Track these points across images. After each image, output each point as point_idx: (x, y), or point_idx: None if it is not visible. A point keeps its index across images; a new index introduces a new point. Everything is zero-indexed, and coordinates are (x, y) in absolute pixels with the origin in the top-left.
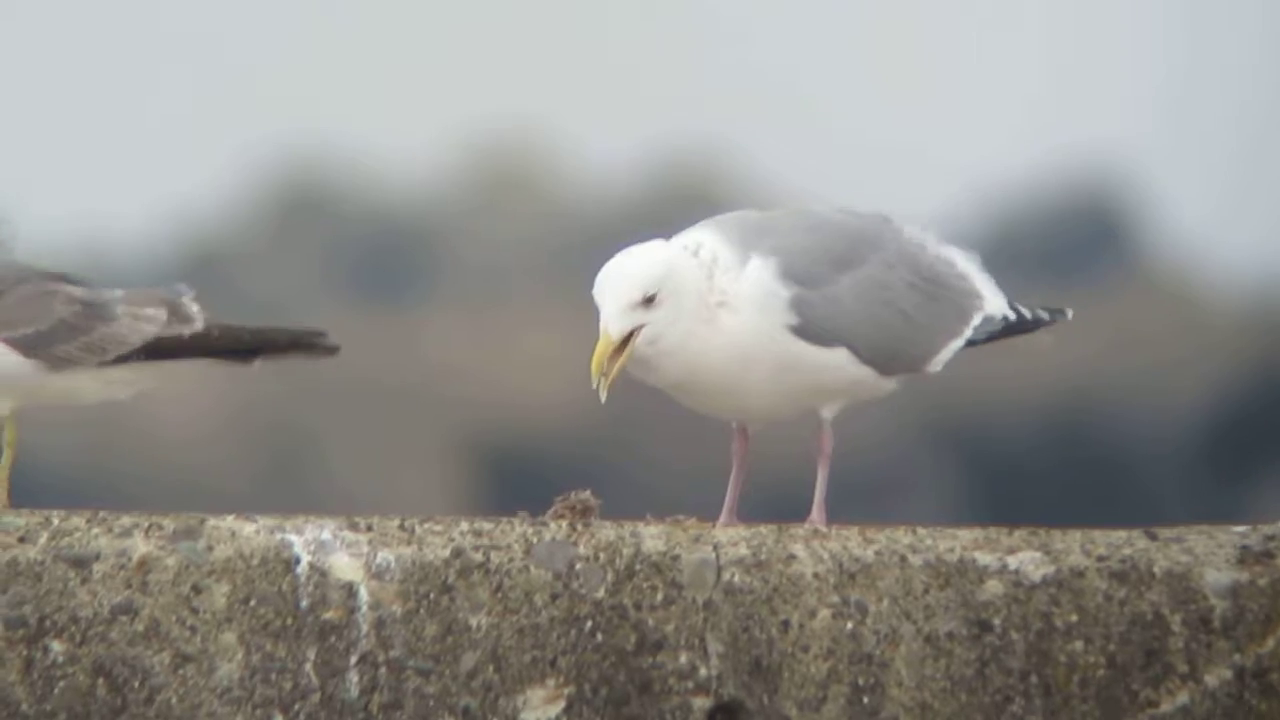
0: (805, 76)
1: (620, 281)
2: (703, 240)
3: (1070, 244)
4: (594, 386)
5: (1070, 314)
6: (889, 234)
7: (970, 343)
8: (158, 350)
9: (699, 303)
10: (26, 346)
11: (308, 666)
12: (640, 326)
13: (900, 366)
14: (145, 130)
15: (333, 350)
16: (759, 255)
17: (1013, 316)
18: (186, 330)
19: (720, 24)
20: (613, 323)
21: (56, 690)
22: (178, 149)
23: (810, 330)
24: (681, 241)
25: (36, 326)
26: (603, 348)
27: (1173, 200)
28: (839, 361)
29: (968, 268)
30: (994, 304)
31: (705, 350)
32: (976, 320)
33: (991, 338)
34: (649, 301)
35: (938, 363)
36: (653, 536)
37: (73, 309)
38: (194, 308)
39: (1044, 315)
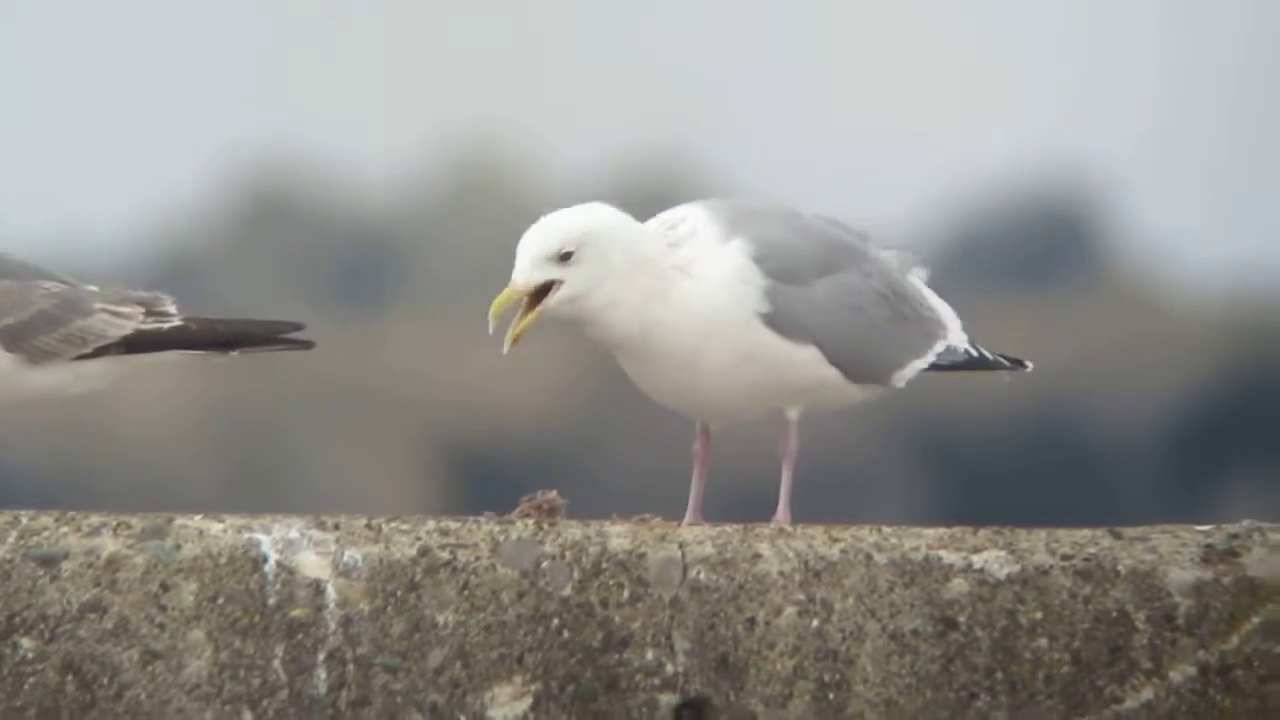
0: (775, 82)
1: (534, 234)
2: (688, 215)
3: (1040, 249)
4: (490, 332)
5: (1030, 367)
6: (869, 250)
7: (935, 367)
8: (136, 344)
9: (638, 267)
10: (8, 339)
11: (276, 663)
12: (555, 283)
13: (867, 375)
14: (118, 136)
15: (307, 345)
16: (742, 239)
17: (974, 353)
18: (165, 324)
19: (688, 29)
20: (520, 273)
21: (26, 687)
22: (150, 154)
23: (780, 322)
24: (667, 213)
25: (17, 316)
26: (504, 295)
27: (1143, 208)
28: (806, 359)
29: (936, 302)
30: (957, 337)
31: (655, 311)
32: (940, 346)
33: (954, 367)
34: (565, 259)
35: (901, 378)
36: (619, 535)
37: (51, 301)
38: (170, 305)
39: (1004, 361)
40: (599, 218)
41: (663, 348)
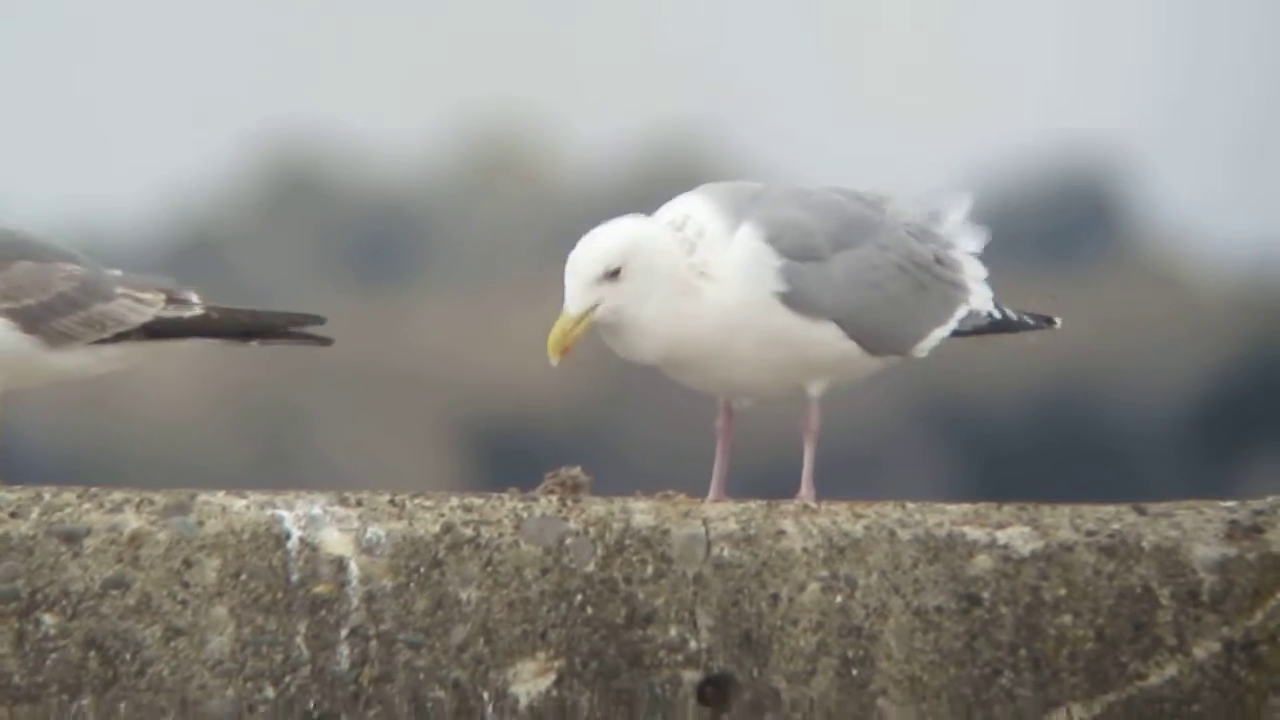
0: (798, 61)
1: (581, 258)
2: (691, 211)
3: (1063, 226)
4: (555, 365)
5: (1059, 323)
6: (885, 219)
7: (956, 333)
8: (157, 330)
9: (673, 276)
10: (27, 320)
11: (299, 640)
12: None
13: (886, 347)
14: (140, 113)
15: (327, 341)
16: (750, 223)
17: (998, 315)
18: (186, 313)
19: (711, 7)
20: (573, 301)
21: (48, 662)
22: (173, 132)
23: (798, 300)
24: (668, 214)
25: (37, 298)
26: (561, 323)
27: (1165, 184)
28: (826, 336)
29: (963, 258)
30: (980, 299)
31: (686, 323)
32: (961, 312)
33: (977, 331)
34: (613, 275)
35: (923, 348)
36: (642, 511)
37: (72, 284)
38: (192, 294)
39: (1029, 320)
40: (640, 233)
41: (693, 352)
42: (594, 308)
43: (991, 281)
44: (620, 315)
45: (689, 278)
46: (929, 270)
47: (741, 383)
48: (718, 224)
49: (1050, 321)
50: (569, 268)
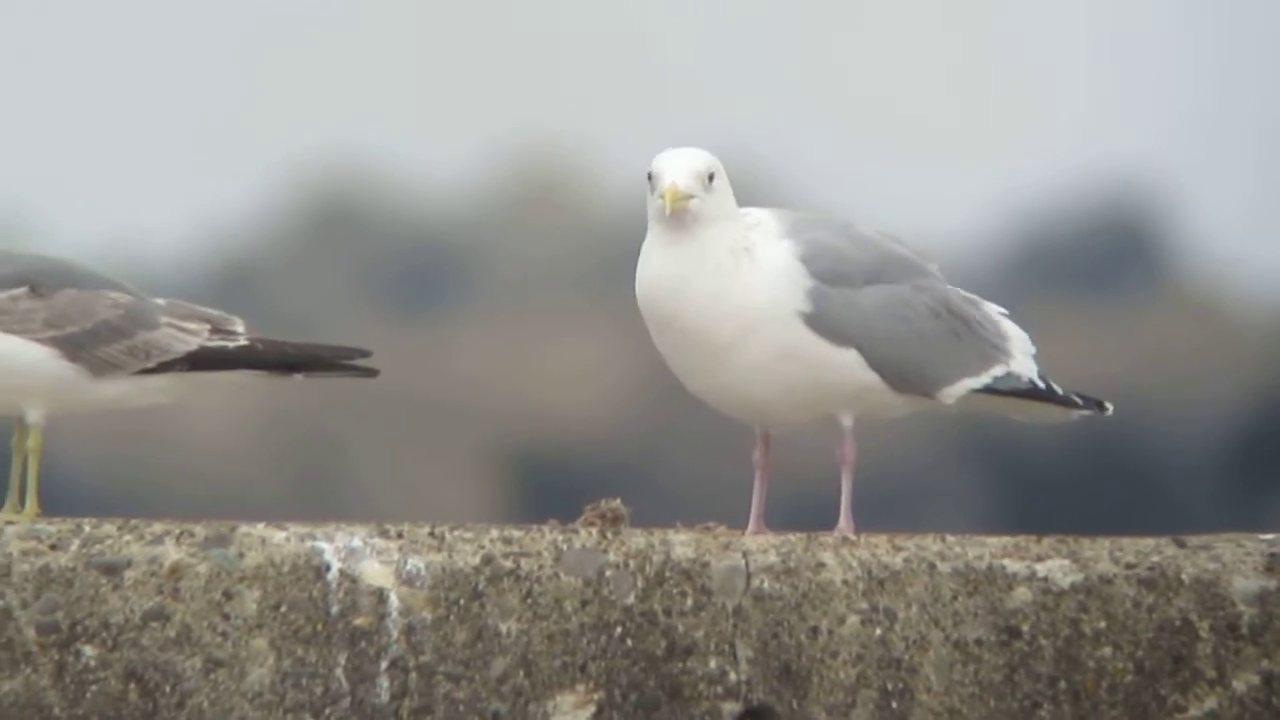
0: (833, 93)
1: (687, 155)
2: (753, 210)
3: (1101, 257)
4: (667, 213)
5: (1110, 410)
6: (930, 269)
7: (992, 390)
8: (201, 361)
9: (735, 215)
10: (71, 348)
11: (339, 671)
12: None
13: (910, 386)
14: (180, 142)
15: (372, 372)
16: (792, 240)
17: (1041, 386)
18: (230, 343)
19: (745, 40)
20: (682, 181)
21: (89, 695)
22: (212, 161)
23: (821, 323)
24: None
25: (81, 325)
26: (672, 192)
27: (1203, 214)
28: (846, 363)
29: (1011, 330)
30: (1022, 364)
31: (725, 272)
32: (998, 370)
33: (1016, 393)
34: (710, 179)
35: (950, 394)
36: (682, 544)
37: (117, 312)
38: (238, 324)
39: (1075, 398)
40: (718, 162)
41: (705, 330)
42: (692, 197)
43: (1029, 313)
44: (701, 214)
45: (742, 237)
46: (965, 321)
47: (756, 398)
48: (772, 226)
49: (1102, 407)
50: (675, 162)
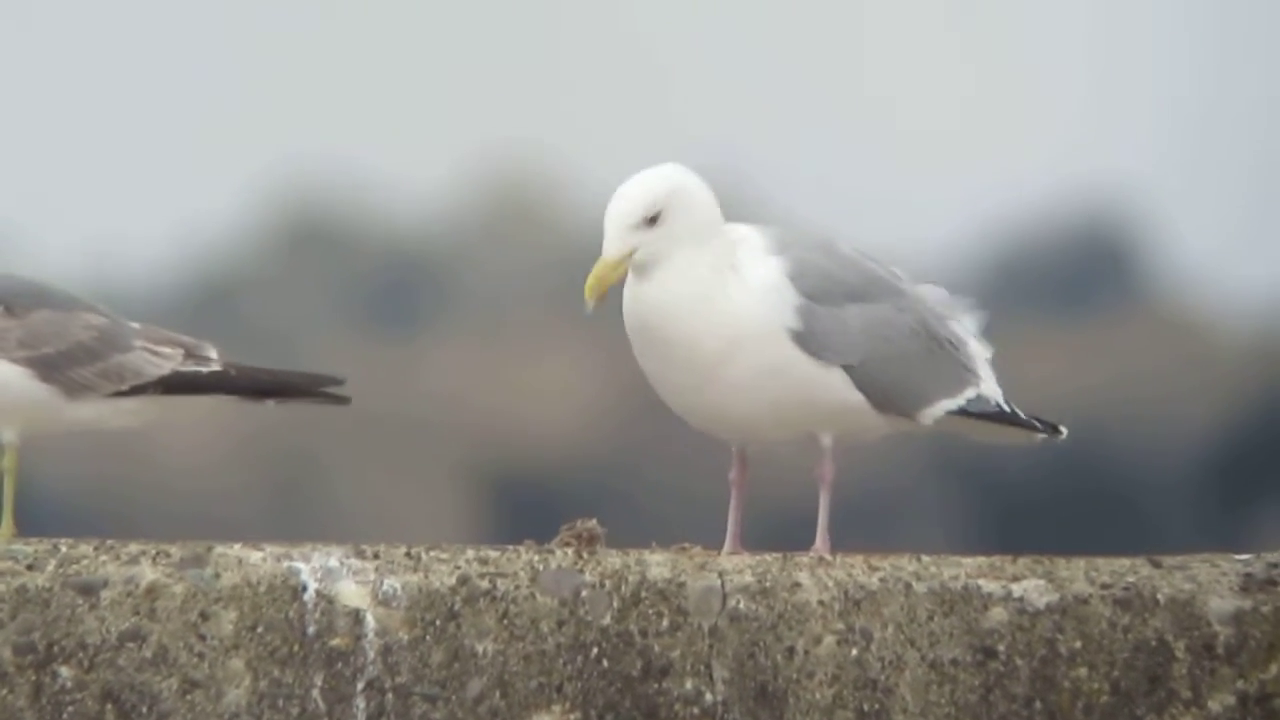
0: (810, 106)
1: (621, 202)
2: (739, 226)
3: (1077, 274)
4: (589, 312)
5: (1064, 434)
6: (907, 288)
7: (965, 412)
8: (174, 385)
9: (711, 231)
10: (45, 369)
11: (315, 692)
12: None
13: (893, 405)
14: (157, 158)
15: (344, 400)
16: (781, 257)
17: (1006, 409)
18: (204, 368)
19: (722, 54)
20: (611, 244)
21: (65, 716)
22: (189, 177)
23: (809, 340)
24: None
25: (55, 346)
26: (598, 267)
27: (1179, 232)
28: (832, 382)
29: (977, 352)
30: (989, 388)
31: (709, 293)
32: (971, 393)
33: (985, 416)
34: (652, 221)
35: (929, 415)
36: (658, 564)
37: (91, 334)
38: (212, 350)
39: (1036, 422)
40: (682, 179)
41: (691, 346)
42: (632, 253)
43: (1005, 330)
44: (656, 258)
45: (723, 256)
46: (941, 343)
47: (737, 416)
48: (757, 242)
49: (1056, 430)
50: (609, 211)
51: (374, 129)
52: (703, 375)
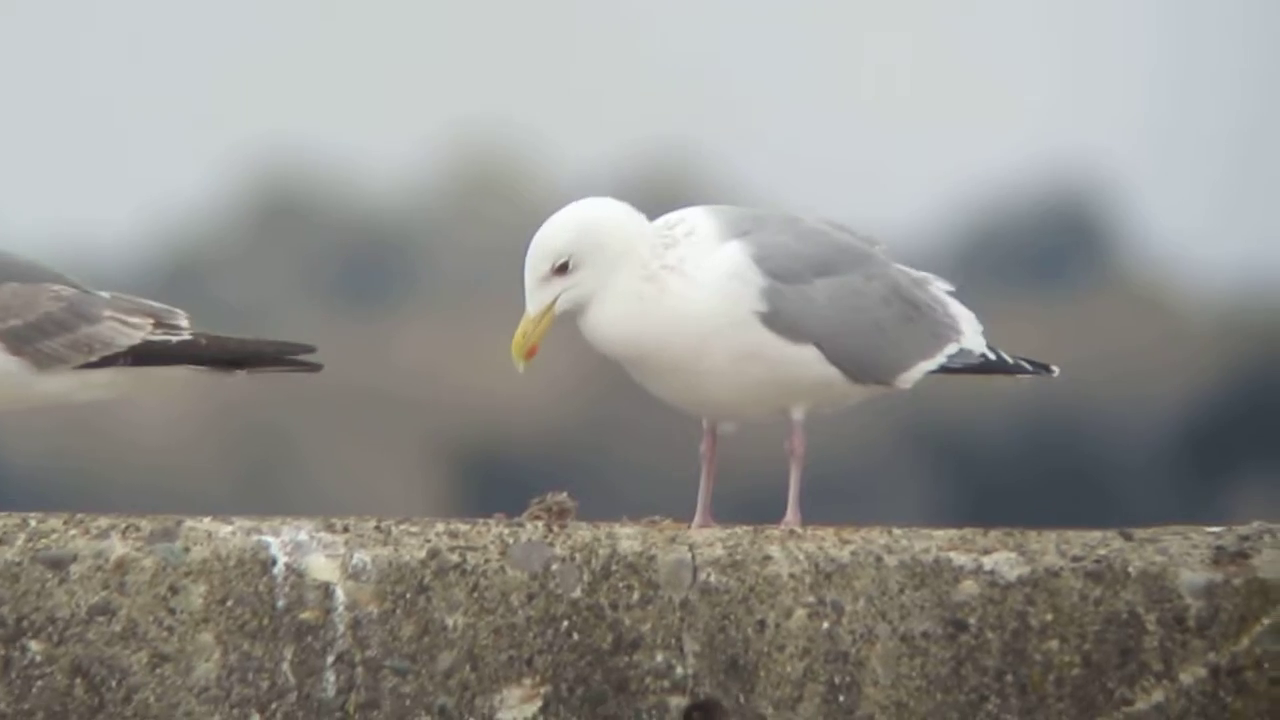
0: (785, 80)
1: (530, 256)
2: (687, 216)
3: (1049, 249)
4: (520, 372)
5: (1056, 372)
6: (875, 253)
7: (946, 369)
8: (144, 355)
9: (630, 254)
10: (13, 342)
11: (285, 666)
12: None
13: (869, 375)
14: (126, 134)
15: (316, 367)
16: (740, 240)
17: (991, 357)
18: (174, 337)
19: (697, 26)
20: (530, 299)
21: (34, 690)
22: (158, 154)
23: (779, 321)
24: (668, 216)
25: (24, 318)
26: (522, 326)
27: (1152, 208)
28: (806, 359)
29: (957, 307)
30: (972, 340)
31: (647, 308)
32: (951, 349)
33: (969, 369)
34: (563, 269)
35: (907, 379)
36: (629, 537)
37: (59, 305)
38: (183, 319)
39: (1025, 364)
40: (585, 217)
41: (660, 350)
42: (552, 303)
43: (977, 304)
44: (580, 303)
45: (655, 271)
46: (915, 304)
47: (717, 400)
48: (710, 230)
49: (1047, 369)
50: (527, 275)
51: (344, 105)
52: (678, 371)
